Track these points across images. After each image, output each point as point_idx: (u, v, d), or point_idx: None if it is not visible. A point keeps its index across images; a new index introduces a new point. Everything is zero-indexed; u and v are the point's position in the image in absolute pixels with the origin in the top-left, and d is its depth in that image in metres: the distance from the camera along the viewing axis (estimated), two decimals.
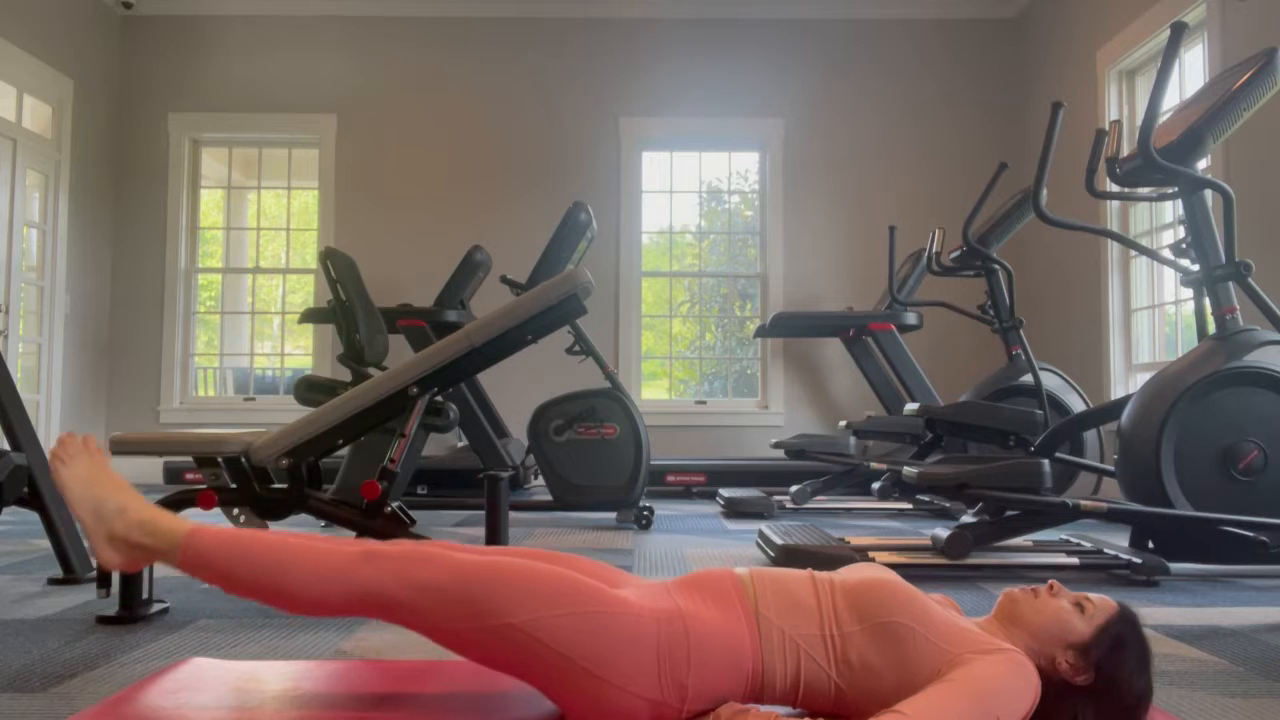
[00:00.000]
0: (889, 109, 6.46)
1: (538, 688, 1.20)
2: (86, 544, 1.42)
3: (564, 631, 1.15)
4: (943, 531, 2.77)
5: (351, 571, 1.22)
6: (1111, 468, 3.38)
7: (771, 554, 2.87)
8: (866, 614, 1.16)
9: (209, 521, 1.37)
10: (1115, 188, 3.78)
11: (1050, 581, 1.22)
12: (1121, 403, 2.93)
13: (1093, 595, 1.19)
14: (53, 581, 2.55)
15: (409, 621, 1.22)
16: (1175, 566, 2.66)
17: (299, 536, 1.30)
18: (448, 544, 1.30)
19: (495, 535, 2.10)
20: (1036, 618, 1.17)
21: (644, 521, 3.87)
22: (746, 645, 1.17)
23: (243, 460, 2.09)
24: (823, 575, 1.26)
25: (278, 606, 1.27)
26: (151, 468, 6.24)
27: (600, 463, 3.82)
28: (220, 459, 2.12)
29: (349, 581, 1.21)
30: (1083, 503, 2.65)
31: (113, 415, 6.32)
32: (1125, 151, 2.97)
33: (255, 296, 6.86)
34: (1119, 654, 1.13)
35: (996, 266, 4.22)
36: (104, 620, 2.05)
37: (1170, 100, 4.39)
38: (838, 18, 6.46)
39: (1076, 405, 4.24)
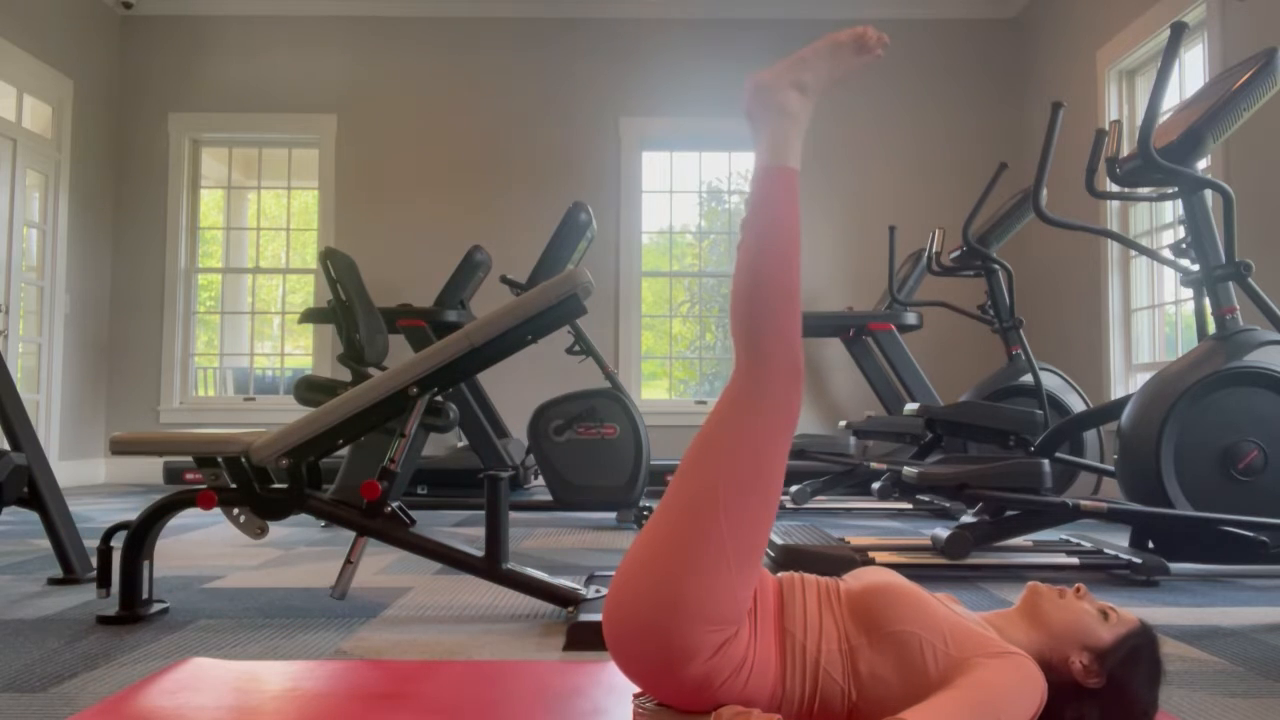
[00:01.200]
0: (889, 109, 6.46)
1: (641, 543, 1.17)
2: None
3: (714, 566, 1.11)
4: (943, 531, 2.77)
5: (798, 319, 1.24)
6: (1111, 468, 3.38)
7: (771, 554, 2.87)
8: (873, 624, 1.15)
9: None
10: (1115, 188, 3.78)
11: (1077, 585, 1.22)
12: (1121, 403, 2.93)
13: (1118, 608, 1.19)
14: (53, 581, 2.55)
15: (744, 380, 1.19)
16: (1175, 566, 2.66)
17: None
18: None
19: (495, 535, 2.10)
20: (1060, 615, 1.17)
21: (644, 521, 3.86)
22: (772, 669, 1.16)
23: (243, 460, 2.09)
24: (833, 583, 1.25)
25: (759, 275, 1.25)
26: (151, 468, 6.24)
27: (600, 463, 3.82)
28: (220, 459, 2.12)
29: (790, 309, 1.23)
30: (1083, 503, 2.65)
31: (113, 415, 6.32)
32: (1125, 151, 2.97)
33: (255, 296, 6.87)
34: (1133, 665, 1.13)
35: (996, 266, 4.22)
36: (104, 620, 2.05)
37: (1170, 100, 4.39)
38: (838, 18, 6.47)
39: (1076, 405, 4.24)
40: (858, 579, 1.25)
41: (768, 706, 1.16)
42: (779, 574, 1.27)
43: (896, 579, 1.21)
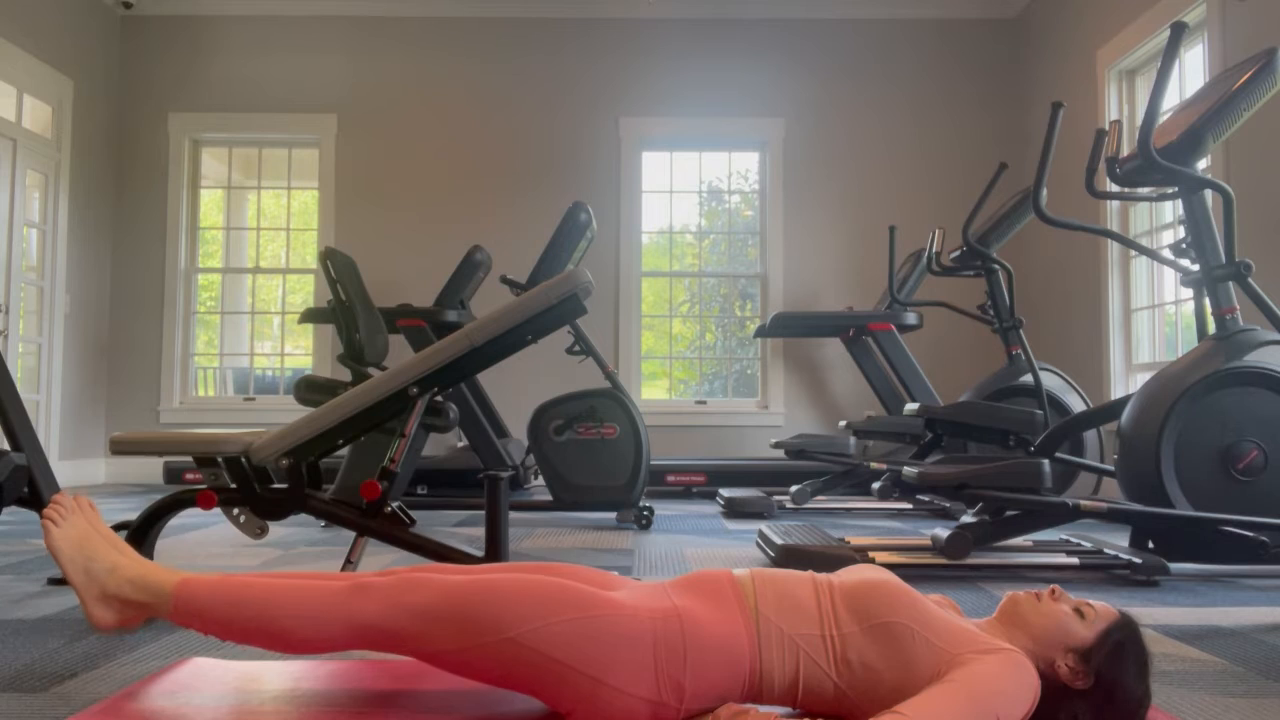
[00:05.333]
0: (889, 109, 6.46)
1: (541, 698, 1.21)
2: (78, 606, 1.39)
3: (561, 639, 1.15)
4: (943, 531, 2.77)
5: (344, 606, 1.23)
6: (1111, 468, 3.38)
7: (771, 554, 2.87)
8: (865, 614, 1.16)
9: (197, 572, 1.37)
10: (1115, 188, 3.78)
11: (1052, 586, 1.22)
12: (1121, 403, 2.93)
13: (1094, 602, 1.19)
14: (52, 581, 2.55)
15: (410, 648, 1.22)
16: (1175, 566, 2.66)
17: (288, 577, 1.31)
18: (436, 567, 1.32)
19: (495, 535, 2.10)
20: (1038, 620, 1.18)
21: (644, 521, 3.87)
22: (744, 645, 1.17)
23: (243, 460, 2.09)
24: (822, 576, 1.26)
25: (277, 649, 1.28)
26: (151, 468, 6.24)
27: (600, 463, 3.82)
28: (220, 459, 2.12)
29: (343, 616, 1.23)
30: (1083, 503, 2.65)
31: (113, 415, 6.32)
32: (1125, 151, 2.97)
33: (255, 296, 6.87)
34: (1119, 660, 1.13)
35: (996, 266, 4.22)
36: None
37: (1170, 100, 4.39)
38: (838, 17, 6.47)
39: (1076, 405, 4.24)
40: (852, 573, 1.25)
41: (747, 681, 1.17)
42: (748, 570, 1.28)
43: (891, 576, 1.23)
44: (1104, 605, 1.19)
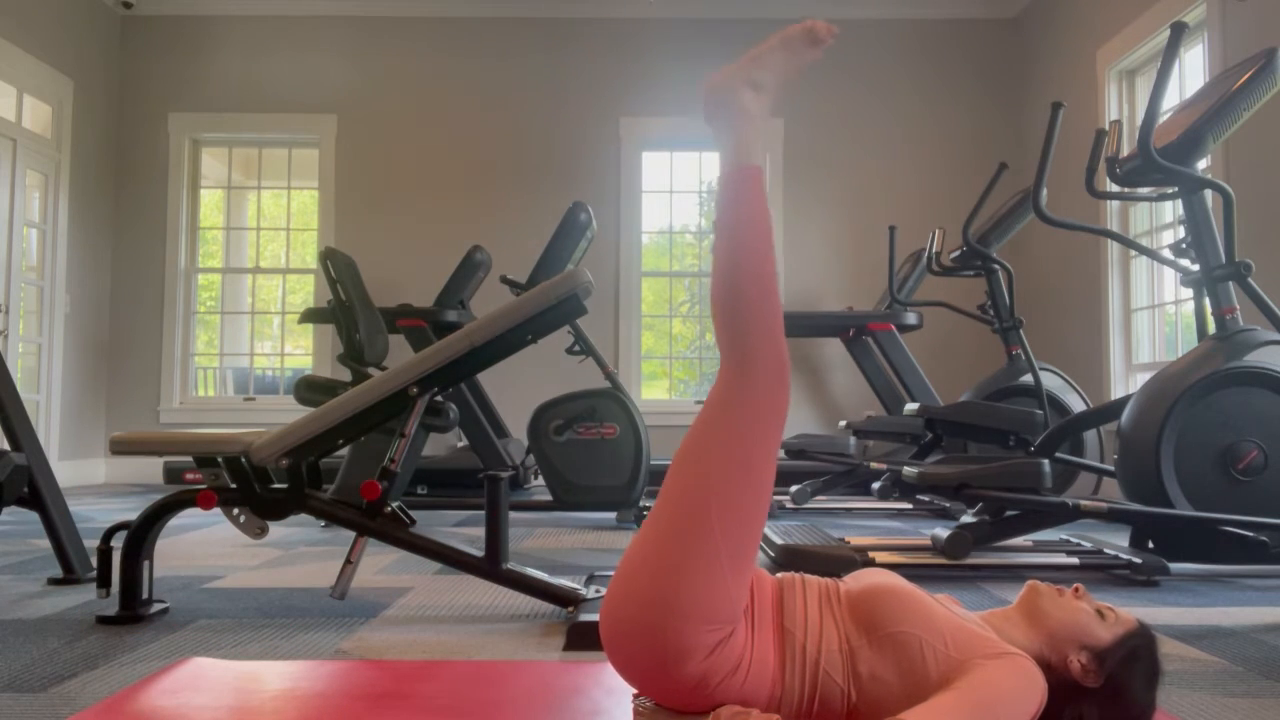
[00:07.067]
0: (889, 109, 6.46)
1: (637, 543, 1.17)
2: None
3: (708, 565, 1.11)
4: (943, 531, 2.77)
5: (776, 299, 1.20)
6: (1111, 468, 3.38)
7: (771, 554, 2.87)
8: (873, 625, 1.15)
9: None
10: (1115, 188, 3.78)
11: (1076, 585, 1.22)
12: (1121, 403, 2.93)
13: (1116, 608, 1.19)
14: (53, 581, 2.55)
15: (732, 379, 1.18)
16: (1175, 566, 2.66)
17: None
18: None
19: (495, 535, 2.10)
20: (1058, 613, 1.17)
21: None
22: (770, 669, 1.16)
23: (243, 460, 2.09)
24: (834, 585, 1.25)
25: (734, 272, 1.21)
26: (151, 468, 6.24)
27: (600, 463, 3.82)
28: (220, 459, 2.12)
29: (772, 305, 1.19)
30: (1083, 503, 2.65)
31: (113, 415, 6.32)
32: (1125, 151, 2.97)
33: (255, 296, 6.87)
34: (1132, 665, 1.13)
35: (996, 266, 4.22)
36: (104, 620, 2.05)
37: (1170, 100, 4.39)
38: (838, 18, 6.46)
39: (1076, 405, 4.24)
40: (858, 580, 1.24)
41: (766, 705, 1.15)
42: (778, 574, 1.27)
43: (897, 580, 1.21)
44: (1126, 613, 1.19)
